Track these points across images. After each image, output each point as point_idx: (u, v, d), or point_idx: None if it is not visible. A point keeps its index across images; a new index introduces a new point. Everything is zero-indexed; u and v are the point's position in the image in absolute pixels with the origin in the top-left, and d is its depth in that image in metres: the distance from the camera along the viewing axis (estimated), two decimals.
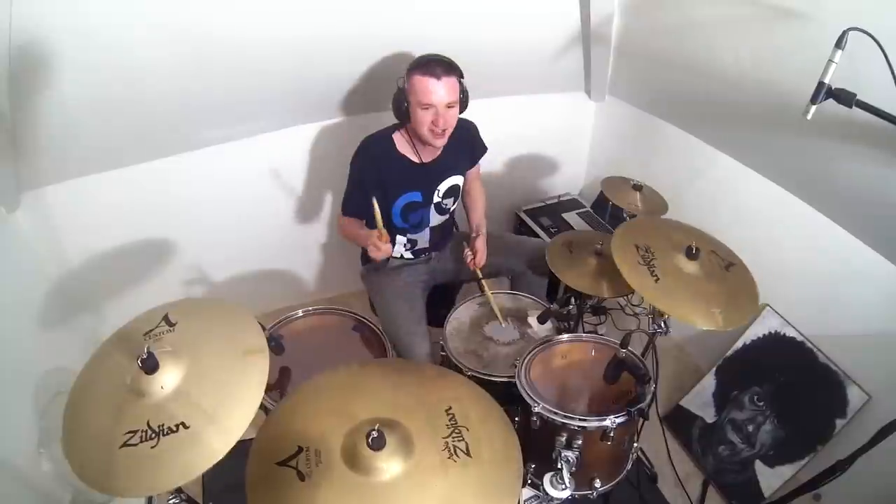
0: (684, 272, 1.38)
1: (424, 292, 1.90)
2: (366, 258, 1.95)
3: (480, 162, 1.93)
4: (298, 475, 0.97)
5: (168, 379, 0.99)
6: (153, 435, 0.93)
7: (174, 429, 0.94)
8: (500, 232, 2.19)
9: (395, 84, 1.60)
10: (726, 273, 1.41)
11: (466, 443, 1.03)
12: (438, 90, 1.53)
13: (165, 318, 1.13)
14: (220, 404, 0.98)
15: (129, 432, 0.94)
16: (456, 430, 1.05)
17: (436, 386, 1.19)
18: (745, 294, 1.39)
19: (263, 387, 1.01)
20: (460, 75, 1.57)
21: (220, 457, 0.92)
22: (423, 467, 0.99)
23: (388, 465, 0.97)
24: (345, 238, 1.81)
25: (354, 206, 1.74)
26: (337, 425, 1.04)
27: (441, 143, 1.64)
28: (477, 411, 1.11)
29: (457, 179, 1.82)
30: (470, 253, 1.79)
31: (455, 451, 1.02)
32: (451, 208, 1.87)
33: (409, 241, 1.85)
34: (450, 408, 1.10)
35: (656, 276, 1.34)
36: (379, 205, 1.64)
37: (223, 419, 0.96)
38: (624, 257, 1.38)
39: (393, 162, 1.70)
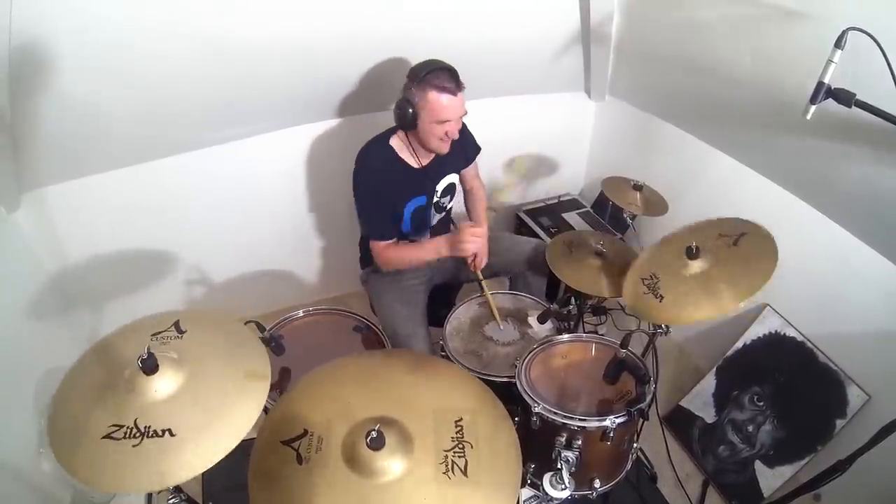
0: (689, 276, 1.37)
1: (425, 295, 1.89)
2: (365, 262, 1.95)
3: (477, 161, 1.93)
4: (297, 457, 0.99)
5: (163, 384, 0.99)
6: (137, 434, 0.93)
7: (160, 433, 0.93)
8: (500, 232, 2.19)
9: (397, 87, 1.60)
10: (736, 248, 1.39)
11: (466, 461, 1.00)
12: (456, 106, 1.54)
13: (176, 325, 1.12)
14: (210, 423, 0.97)
15: (115, 426, 0.94)
16: (459, 445, 1.02)
17: (453, 393, 1.16)
18: (761, 254, 1.35)
19: (258, 413, 1.00)
20: None
21: (199, 472, 0.91)
22: (416, 477, 0.97)
23: (382, 467, 0.96)
24: (398, 265, 1.75)
25: (388, 225, 1.69)
26: (343, 417, 1.04)
27: (447, 150, 1.65)
28: (487, 429, 1.07)
29: (453, 178, 1.83)
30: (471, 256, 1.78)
31: (452, 467, 0.99)
32: (449, 206, 1.87)
33: (410, 243, 1.85)
34: (460, 419, 1.07)
35: (660, 296, 1.37)
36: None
37: (210, 437, 0.95)
38: (632, 294, 1.43)
39: (397, 170, 1.69)
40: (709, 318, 1.31)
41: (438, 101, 1.52)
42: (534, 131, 2.59)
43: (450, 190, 1.84)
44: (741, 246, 1.39)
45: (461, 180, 1.91)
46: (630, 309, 1.44)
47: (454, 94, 1.52)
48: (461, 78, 1.55)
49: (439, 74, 1.51)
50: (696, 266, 1.38)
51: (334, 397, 1.11)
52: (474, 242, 1.55)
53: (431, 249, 1.65)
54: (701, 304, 1.32)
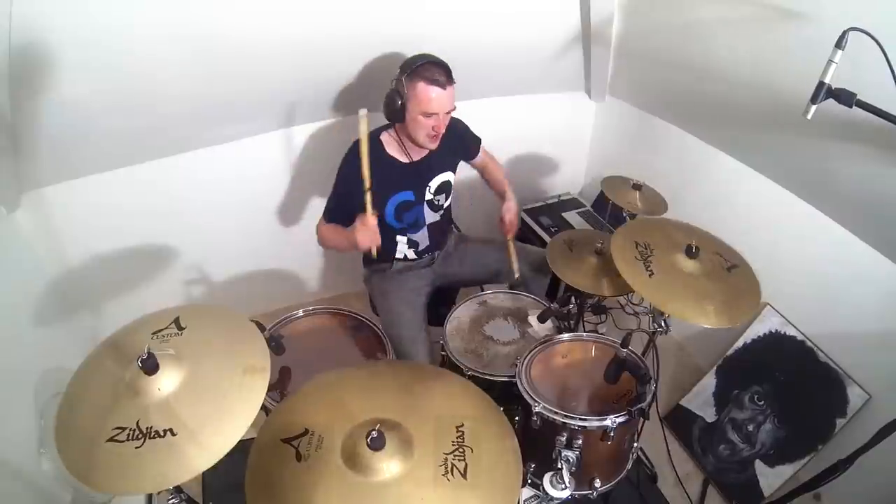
0: (682, 270, 1.38)
1: (427, 297, 1.89)
2: (368, 260, 1.95)
3: (485, 148, 1.92)
4: (297, 455, 0.99)
5: (166, 382, 0.98)
6: (140, 435, 0.93)
7: (161, 434, 0.93)
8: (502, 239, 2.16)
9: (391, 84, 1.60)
10: (728, 274, 1.41)
11: (466, 464, 1.00)
12: (444, 100, 1.54)
13: (176, 321, 1.12)
14: (210, 419, 0.96)
15: (118, 428, 0.93)
16: (460, 449, 1.02)
17: (455, 401, 1.16)
18: (746, 295, 1.38)
19: (257, 409, 0.99)
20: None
21: (200, 471, 0.91)
22: (414, 478, 0.97)
23: (381, 468, 0.96)
24: (325, 245, 1.79)
25: (340, 212, 1.72)
26: (345, 418, 1.05)
27: (435, 145, 1.65)
28: (489, 435, 1.07)
29: (447, 176, 1.82)
30: (505, 220, 1.79)
31: (452, 469, 0.99)
32: (445, 205, 1.87)
33: (409, 241, 1.85)
34: (462, 424, 1.07)
35: (651, 271, 1.36)
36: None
37: (210, 435, 0.94)
38: (622, 252, 1.40)
39: (382, 165, 1.68)
40: (689, 320, 1.29)
41: (426, 92, 1.52)
42: (534, 131, 2.59)
43: (444, 188, 1.83)
44: (733, 275, 1.41)
45: (474, 167, 1.92)
46: (616, 263, 1.37)
47: (443, 87, 1.53)
48: (458, 76, 1.55)
49: (430, 67, 1.52)
50: (690, 265, 1.38)
51: (336, 402, 1.11)
52: (363, 233, 1.56)
53: (344, 239, 1.68)
54: (686, 305, 1.31)
